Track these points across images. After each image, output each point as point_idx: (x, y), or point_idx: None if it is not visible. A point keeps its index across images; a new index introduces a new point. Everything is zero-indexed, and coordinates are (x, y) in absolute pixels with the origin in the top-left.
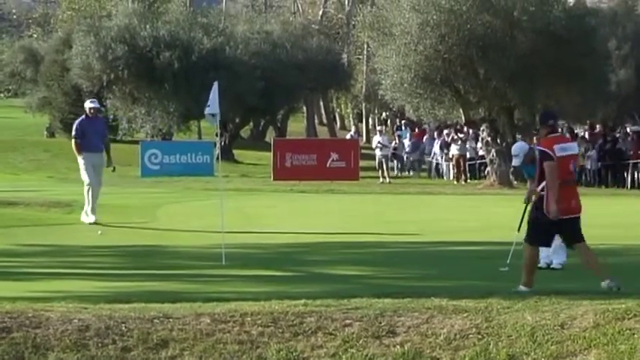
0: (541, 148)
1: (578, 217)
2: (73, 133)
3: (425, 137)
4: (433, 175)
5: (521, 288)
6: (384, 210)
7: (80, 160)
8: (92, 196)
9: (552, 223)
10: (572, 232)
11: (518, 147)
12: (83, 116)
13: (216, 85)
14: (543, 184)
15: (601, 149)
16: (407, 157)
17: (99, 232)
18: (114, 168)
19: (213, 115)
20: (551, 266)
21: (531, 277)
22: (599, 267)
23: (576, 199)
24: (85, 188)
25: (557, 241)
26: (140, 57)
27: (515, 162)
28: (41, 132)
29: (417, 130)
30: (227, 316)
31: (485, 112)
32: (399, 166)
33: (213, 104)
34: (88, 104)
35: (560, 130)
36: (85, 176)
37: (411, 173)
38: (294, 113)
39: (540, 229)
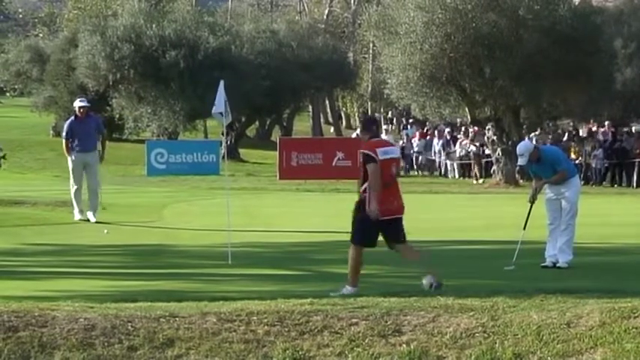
0: (365, 151)
1: (401, 218)
2: (63, 134)
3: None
4: (438, 173)
5: (347, 289)
6: None
7: (69, 161)
8: (77, 199)
9: (376, 223)
10: (394, 233)
11: (524, 146)
12: (73, 117)
13: (222, 84)
14: (365, 185)
15: (609, 147)
16: (416, 157)
17: (105, 231)
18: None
19: (221, 113)
20: (557, 265)
21: (356, 278)
22: (423, 262)
23: (399, 200)
24: (72, 190)
25: (563, 238)
26: (146, 56)
27: (520, 161)
28: (47, 131)
29: (423, 129)
30: (233, 315)
31: (491, 111)
32: (407, 166)
33: (219, 103)
34: (78, 103)
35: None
36: (71, 179)
37: (425, 173)
38: (300, 112)
39: (364, 230)
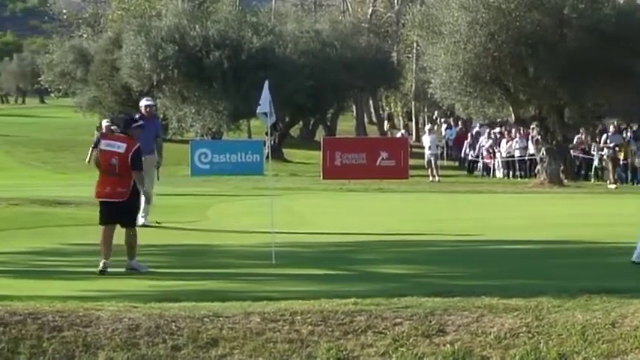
0: None
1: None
2: None
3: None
4: (482, 173)
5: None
6: (434, 209)
7: None
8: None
9: None
10: None
11: None
12: (138, 116)
13: (266, 84)
14: None
15: None
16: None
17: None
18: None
19: (265, 114)
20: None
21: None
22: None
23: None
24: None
25: None
26: (190, 56)
27: None
28: (91, 131)
29: (461, 128)
30: (277, 314)
31: (535, 110)
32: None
33: (264, 103)
34: (144, 102)
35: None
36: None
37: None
38: (344, 112)
39: None
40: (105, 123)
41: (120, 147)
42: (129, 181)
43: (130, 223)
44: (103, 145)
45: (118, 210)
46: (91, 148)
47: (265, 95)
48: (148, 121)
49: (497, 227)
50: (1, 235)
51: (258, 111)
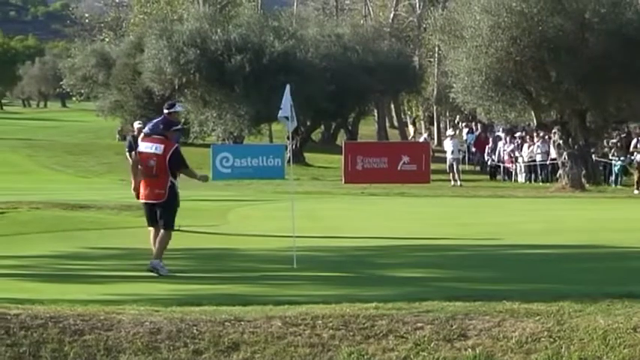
0: None
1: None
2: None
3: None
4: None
5: None
6: (455, 213)
7: None
8: None
9: None
10: None
11: None
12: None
13: (288, 88)
14: None
15: None
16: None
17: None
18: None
19: (287, 118)
20: None
21: None
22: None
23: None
24: None
25: None
26: (211, 60)
27: None
28: (113, 135)
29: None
30: (298, 319)
31: (557, 114)
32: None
33: (285, 107)
34: (177, 108)
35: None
36: None
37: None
38: (365, 116)
39: None
40: (137, 125)
41: (158, 148)
42: (166, 182)
43: (166, 225)
44: (142, 147)
45: (157, 210)
46: (127, 152)
47: (286, 100)
48: None
49: (519, 231)
50: (22, 238)
51: (279, 115)
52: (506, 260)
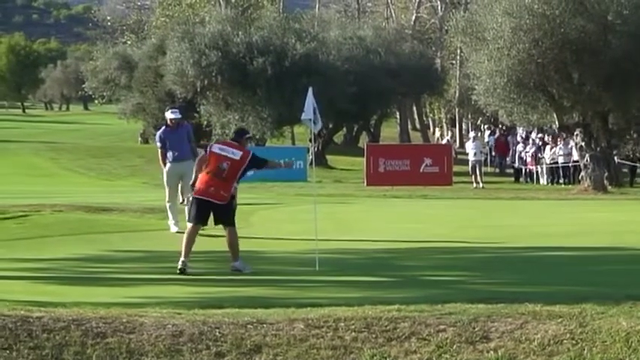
0: None
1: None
2: (158, 143)
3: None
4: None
5: None
6: (478, 215)
7: (164, 172)
8: (172, 210)
9: None
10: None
11: None
12: (164, 125)
13: (310, 91)
14: None
15: None
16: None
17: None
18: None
19: (311, 120)
20: None
21: None
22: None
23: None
24: (167, 203)
25: None
26: (233, 63)
27: None
28: (135, 138)
29: (499, 135)
30: (320, 321)
31: (579, 116)
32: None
33: (307, 110)
34: (169, 115)
35: None
36: (166, 192)
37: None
38: (387, 118)
39: None
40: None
41: (235, 154)
42: (231, 186)
43: (231, 222)
44: (216, 148)
45: (218, 212)
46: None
47: (309, 102)
48: (175, 130)
49: (541, 234)
50: (44, 241)
51: (302, 117)
52: (528, 262)
